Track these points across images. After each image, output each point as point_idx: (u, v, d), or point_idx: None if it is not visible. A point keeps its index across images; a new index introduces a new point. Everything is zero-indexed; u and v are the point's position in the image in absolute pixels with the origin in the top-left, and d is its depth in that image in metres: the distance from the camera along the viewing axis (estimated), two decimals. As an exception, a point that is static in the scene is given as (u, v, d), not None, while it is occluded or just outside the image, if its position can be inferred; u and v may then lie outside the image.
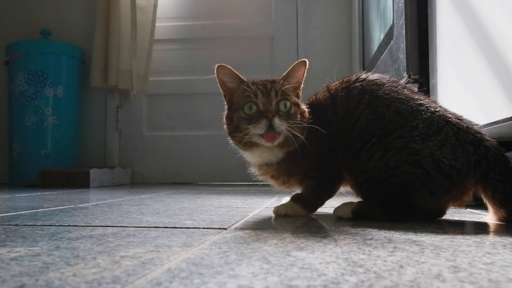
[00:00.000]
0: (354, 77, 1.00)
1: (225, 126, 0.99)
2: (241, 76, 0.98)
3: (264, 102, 0.92)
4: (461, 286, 0.40)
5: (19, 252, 0.57)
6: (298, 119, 0.94)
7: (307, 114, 0.97)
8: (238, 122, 0.94)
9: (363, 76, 0.99)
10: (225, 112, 1.00)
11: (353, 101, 0.95)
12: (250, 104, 0.93)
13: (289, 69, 0.97)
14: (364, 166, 0.89)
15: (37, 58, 2.77)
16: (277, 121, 0.89)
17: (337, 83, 1.02)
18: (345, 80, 1.01)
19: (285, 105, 0.93)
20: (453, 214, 0.99)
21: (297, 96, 0.99)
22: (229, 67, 0.97)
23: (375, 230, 0.75)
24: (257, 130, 0.90)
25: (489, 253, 0.55)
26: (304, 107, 0.98)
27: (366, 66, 2.26)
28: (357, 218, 0.91)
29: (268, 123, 0.89)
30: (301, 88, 1.00)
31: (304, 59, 0.98)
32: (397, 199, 0.87)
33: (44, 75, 2.76)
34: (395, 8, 1.54)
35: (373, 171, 0.88)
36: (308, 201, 0.98)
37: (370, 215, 0.89)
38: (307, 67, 0.98)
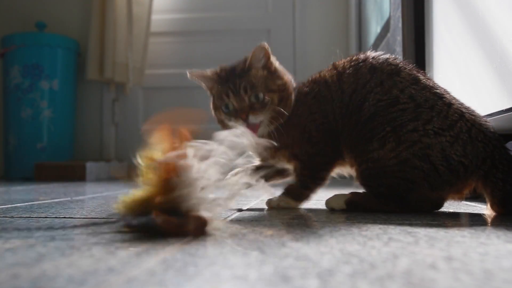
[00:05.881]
0: (362, 56, 0.97)
1: (213, 113, 1.02)
2: (210, 74, 1.00)
3: (236, 101, 0.95)
4: (455, 275, 0.40)
5: (14, 243, 0.57)
6: (279, 97, 0.96)
7: (291, 85, 1.00)
8: (221, 118, 0.99)
9: (373, 54, 0.97)
10: (211, 100, 1.02)
11: (362, 79, 0.93)
12: (225, 104, 0.96)
13: (250, 57, 0.97)
14: (374, 154, 0.87)
15: (32, 51, 2.76)
16: (252, 118, 0.94)
17: (344, 61, 1.00)
18: (353, 58, 0.99)
19: (257, 97, 0.95)
20: (448, 206, 1.00)
21: (270, 69, 0.99)
22: (197, 72, 1.01)
23: (370, 221, 0.75)
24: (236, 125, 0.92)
25: (483, 243, 0.55)
26: (286, 78, 1.00)
27: (363, 59, 2.26)
28: (351, 209, 0.90)
29: (244, 122, 0.94)
30: (272, 61, 0.99)
31: (261, 44, 0.97)
32: (398, 192, 0.87)
33: (39, 68, 2.75)
34: (392, 1, 1.54)
35: (382, 161, 0.86)
36: (297, 192, 0.99)
37: (366, 205, 0.89)
38: (267, 48, 0.97)
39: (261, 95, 0.95)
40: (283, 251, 0.51)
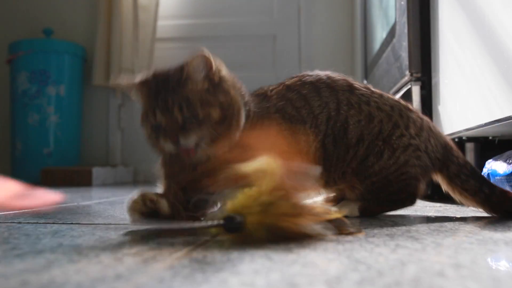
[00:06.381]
0: (305, 75, 0.93)
1: (142, 127, 0.84)
2: (138, 85, 0.82)
3: (166, 119, 0.77)
4: (463, 283, 0.40)
5: (22, 249, 0.57)
6: (221, 114, 0.78)
7: (239, 99, 0.82)
8: (149, 133, 0.81)
9: (313, 73, 0.94)
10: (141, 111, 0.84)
11: (331, 103, 0.89)
12: (151, 123, 0.80)
13: (187, 69, 0.79)
14: (374, 168, 0.88)
15: (39, 57, 2.77)
16: (182, 141, 0.76)
17: (295, 79, 0.93)
18: (299, 78, 0.93)
19: (193, 116, 0.77)
20: (455, 212, 0.99)
21: (213, 81, 0.80)
22: (122, 82, 0.84)
23: (377, 228, 0.75)
24: (167, 148, 0.78)
25: (491, 250, 0.55)
26: (234, 92, 0.82)
27: (368, 64, 2.26)
28: (363, 215, 0.91)
29: (174, 144, 0.77)
30: (216, 71, 0.81)
31: (202, 51, 0.78)
32: (409, 191, 0.91)
33: (46, 74, 2.77)
34: (397, 6, 1.54)
35: (384, 171, 0.88)
36: None
37: (376, 210, 0.92)
38: (208, 56, 0.79)
39: (199, 113, 0.77)
40: (290, 257, 0.51)
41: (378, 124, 0.89)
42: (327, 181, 0.91)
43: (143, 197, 0.76)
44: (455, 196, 0.93)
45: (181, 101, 0.77)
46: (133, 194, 0.76)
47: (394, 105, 0.92)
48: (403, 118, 0.91)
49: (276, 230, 0.61)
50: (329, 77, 0.93)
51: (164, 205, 0.76)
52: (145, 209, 0.75)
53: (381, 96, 0.93)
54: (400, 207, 0.94)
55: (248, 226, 0.61)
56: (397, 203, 0.93)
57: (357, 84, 0.93)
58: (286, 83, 0.93)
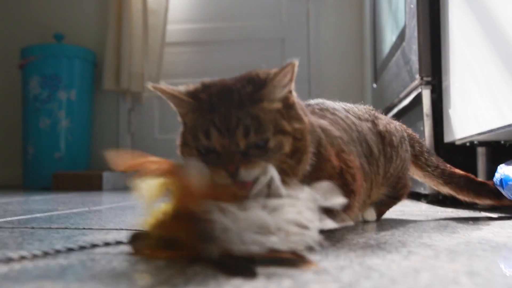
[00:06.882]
0: (311, 104, 0.89)
1: (178, 150, 0.68)
2: (185, 96, 0.65)
3: (223, 142, 0.60)
4: (477, 292, 0.40)
5: (36, 255, 0.58)
6: (293, 146, 0.63)
7: (308, 130, 0.66)
8: (188, 155, 0.64)
9: (320, 100, 0.93)
10: (181, 131, 0.68)
11: (351, 125, 0.88)
12: (202, 144, 0.62)
13: (277, 74, 0.63)
14: (391, 170, 0.92)
15: (50, 62, 2.81)
16: (243, 173, 0.59)
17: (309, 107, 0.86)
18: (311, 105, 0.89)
19: (262, 142, 0.61)
20: (467, 218, 0.98)
21: (288, 101, 0.66)
22: (164, 88, 0.67)
23: (389, 234, 0.74)
24: (218, 179, 0.60)
25: (506, 257, 0.55)
26: (306, 119, 0.67)
27: (378, 68, 2.25)
28: (379, 218, 0.95)
29: (230, 176, 0.59)
30: (292, 90, 0.67)
31: (293, 60, 0.63)
32: (406, 184, 0.97)
33: (57, 79, 2.80)
34: (407, 10, 1.53)
35: (396, 171, 0.93)
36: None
37: (385, 211, 0.98)
38: (295, 67, 0.64)
39: (266, 139, 0.61)
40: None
41: (376, 135, 0.94)
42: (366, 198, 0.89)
43: None
44: (419, 175, 1.05)
45: (250, 121, 0.60)
46: None
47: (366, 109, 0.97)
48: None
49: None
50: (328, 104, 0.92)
51: None
52: None
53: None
54: (400, 201, 0.99)
55: (152, 241, 0.55)
56: (399, 198, 0.98)
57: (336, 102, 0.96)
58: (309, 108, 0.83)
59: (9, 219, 1.01)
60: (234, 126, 0.59)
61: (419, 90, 1.39)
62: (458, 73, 1.24)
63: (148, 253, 0.55)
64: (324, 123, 0.79)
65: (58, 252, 0.59)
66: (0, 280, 0.45)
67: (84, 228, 0.84)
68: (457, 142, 1.26)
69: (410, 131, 1.04)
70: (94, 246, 0.63)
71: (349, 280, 0.44)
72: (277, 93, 0.64)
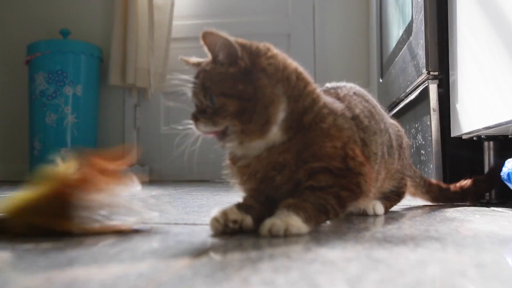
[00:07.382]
0: (339, 86, 0.96)
1: None
2: (192, 64, 0.86)
3: (194, 100, 0.77)
4: (487, 284, 0.40)
5: (45, 246, 0.58)
6: (240, 107, 0.70)
7: (279, 93, 0.72)
8: None
9: (342, 83, 0.99)
10: None
11: (378, 115, 0.92)
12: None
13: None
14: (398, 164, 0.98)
15: (57, 58, 2.81)
16: (199, 125, 0.74)
17: (346, 92, 0.91)
18: (351, 89, 0.95)
19: (211, 100, 0.72)
20: (474, 211, 0.98)
21: (240, 67, 0.74)
22: (190, 60, 0.87)
23: (395, 227, 0.74)
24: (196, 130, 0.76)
25: (513, 250, 0.54)
26: (264, 82, 0.72)
27: (384, 62, 2.24)
28: (386, 212, 0.96)
29: (196, 126, 0.75)
30: (244, 57, 0.75)
31: (206, 30, 0.78)
32: (405, 184, 1.02)
33: (63, 74, 2.80)
34: (414, 4, 1.52)
35: (402, 167, 1.00)
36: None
37: (390, 207, 0.99)
38: (216, 33, 0.78)
39: (214, 98, 0.72)
40: (309, 256, 0.51)
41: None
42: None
43: (225, 218, 0.68)
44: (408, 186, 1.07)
45: (201, 82, 0.74)
46: (214, 212, 0.70)
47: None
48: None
49: (41, 228, 0.65)
50: (352, 87, 0.98)
51: (248, 222, 0.69)
52: (228, 230, 0.68)
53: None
54: (401, 199, 1.02)
55: (13, 225, 0.66)
56: (401, 196, 1.01)
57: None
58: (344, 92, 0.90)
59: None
60: (199, 87, 0.75)
61: (426, 84, 1.39)
62: (465, 67, 1.23)
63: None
64: (339, 106, 0.81)
65: None
66: None
67: (91, 222, 0.84)
68: (464, 137, 1.26)
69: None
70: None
71: (357, 272, 0.44)
72: (220, 56, 0.76)
